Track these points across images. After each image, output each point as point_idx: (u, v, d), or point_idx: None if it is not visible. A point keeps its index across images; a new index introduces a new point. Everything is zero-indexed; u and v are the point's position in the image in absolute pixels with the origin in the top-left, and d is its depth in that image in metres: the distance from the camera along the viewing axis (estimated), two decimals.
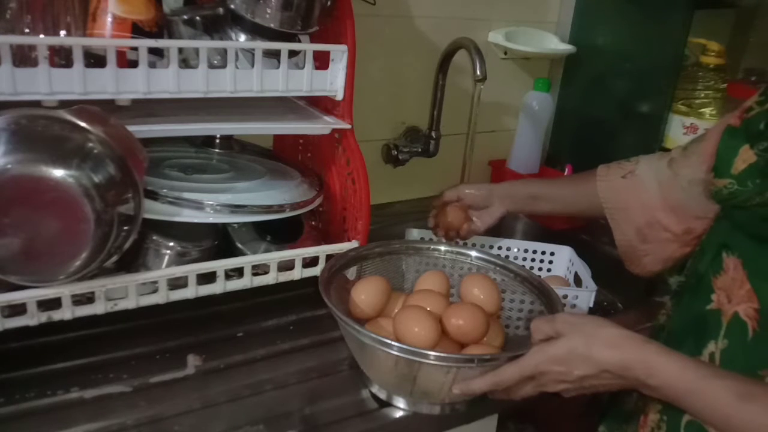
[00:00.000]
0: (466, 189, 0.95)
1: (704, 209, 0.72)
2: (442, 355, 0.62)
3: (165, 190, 0.73)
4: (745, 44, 1.32)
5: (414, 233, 1.02)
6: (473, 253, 0.84)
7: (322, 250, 0.83)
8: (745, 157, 0.61)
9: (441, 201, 0.96)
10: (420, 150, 1.23)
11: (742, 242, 0.61)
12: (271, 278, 0.81)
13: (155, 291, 0.73)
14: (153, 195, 0.72)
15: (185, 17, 0.76)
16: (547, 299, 0.75)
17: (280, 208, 0.80)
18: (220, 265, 0.76)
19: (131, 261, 0.75)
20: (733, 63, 1.22)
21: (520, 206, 0.94)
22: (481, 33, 1.26)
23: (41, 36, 0.66)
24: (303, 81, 0.78)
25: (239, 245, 0.84)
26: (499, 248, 1.03)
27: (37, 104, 0.64)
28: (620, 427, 0.73)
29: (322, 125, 0.84)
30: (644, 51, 1.21)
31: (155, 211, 0.71)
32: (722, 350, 0.60)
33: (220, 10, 0.77)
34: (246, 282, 0.79)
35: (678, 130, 1.19)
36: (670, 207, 0.76)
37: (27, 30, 0.66)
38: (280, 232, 0.86)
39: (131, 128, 0.68)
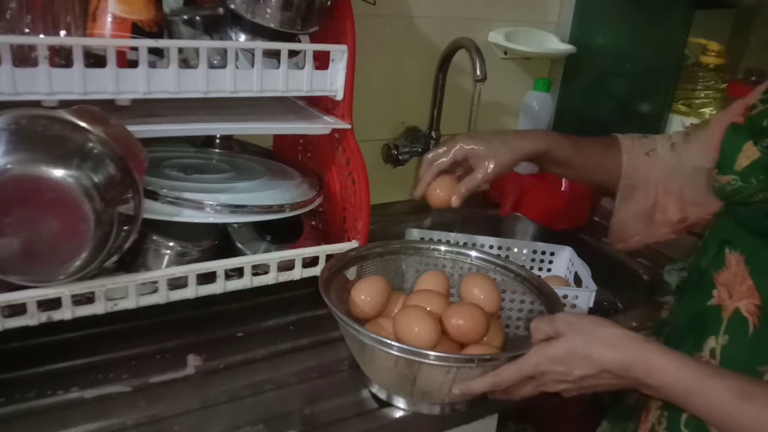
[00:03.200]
0: (466, 144, 0.77)
1: (702, 197, 0.72)
2: (442, 355, 0.62)
3: (165, 190, 0.73)
4: (745, 44, 1.32)
5: (414, 233, 1.02)
6: (473, 253, 0.84)
7: (322, 250, 0.83)
8: (749, 153, 0.61)
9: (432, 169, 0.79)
10: (420, 150, 1.23)
11: (745, 238, 0.62)
12: (271, 278, 0.81)
13: (155, 291, 0.73)
14: (153, 195, 0.72)
15: (185, 17, 0.76)
16: (547, 299, 0.75)
17: (280, 208, 0.80)
18: (220, 265, 0.76)
19: (131, 261, 0.75)
20: (733, 63, 1.22)
21: (531, 158, 0.78)
22: (481, 33, 1.26)
23: (41, 36, 0.66)
24: (303, 81, 0.79)
25: (239, 245, 0.84)
26: (499, 248, 1.03)
27: (37, 104, 0.64)
28: (622, 424, 0.73)
29: (322, 125, 0.84)
30: (644, 51, 1.21)
31: (155, 211, 0.71)
32: (723, 346, 0.60)
33: (220, 10, 0.77)
34: (246, 282, 0.79)
35: (678, 129, 1.19)
36: (672, 192, 0.77)
37: (27, 30, 0.66)
38: (280, 232, 0.86)
39: (131, 128, 0.68)
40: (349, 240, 0.87)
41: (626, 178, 0.80)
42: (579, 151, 0.80)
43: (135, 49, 0.67)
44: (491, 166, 0.75)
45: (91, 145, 0.61)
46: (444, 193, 0.77)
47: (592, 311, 0.89)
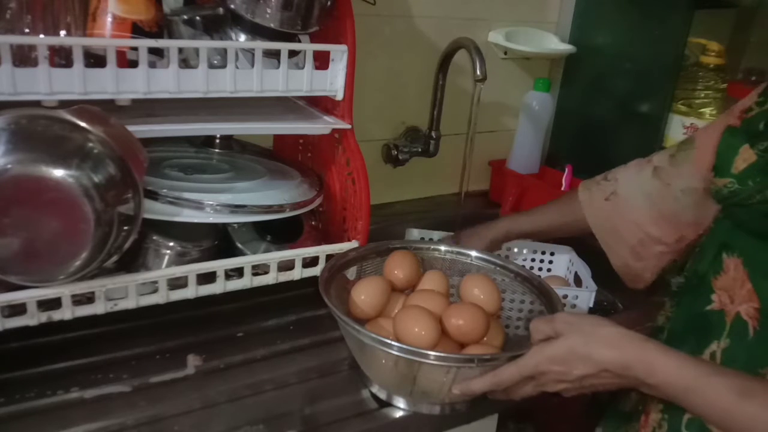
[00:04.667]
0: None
1: (697, 216, 0.72)
2: (442, 355, 0.62)
3: (165, 190, 0.73)
4: (745, 44, 1.32)
5: (414, 233, 1.02)
6: (473, 253, 0.84)
7: (322, 250, 0.83)
8: (746, 156, 0.61)
9: None
10: (420, 150, 1.23)
11: (743, 241, 0.62)
12: (271, 278, 0.81)
13: (155, 291, 0.73)
14: (153, 195, 0.72)
15: (185, 17, 0.76)
16: (547, 299, 0.75)
17: (280, 208, 0.80)
18: (220, 265, 0.76)
19: (131, 261, 0.75)
20: (733, 63, 1.22)
21: (496, 244, 0.95)
22: (481, 33, 1.26)
23: (41, 36, 0.66)
24: (303, 81, 0.78)
25: (239, 245, 0.84)
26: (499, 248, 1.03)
27: (37, 104, 0.64)
28: (620, 428, 0.73)
29: (322, 125, 0.84)
30: (644, 51, 1.21)
31: (155, 211, 0.71)
32: (723, 349, 0.60)
33: (220, 10, 0.77)
34: (246, 282, 0.79)
35: (678, 130, 1.19)
36: (663, 218, 0.77)
37: (27, 30, 0.66)
38: (280, 232, 0.86)
39: (131, 128, 0.68)
40: (349, 240, 0.87)
41: (596, 228, 0.84)
42: (536, 224, 0.93)
43: (135, 49, 0.67)
44: None
45: (91, 145, 0.61)
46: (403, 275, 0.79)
47: (592, 311, 0.89)
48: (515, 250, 1.04)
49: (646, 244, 0.79)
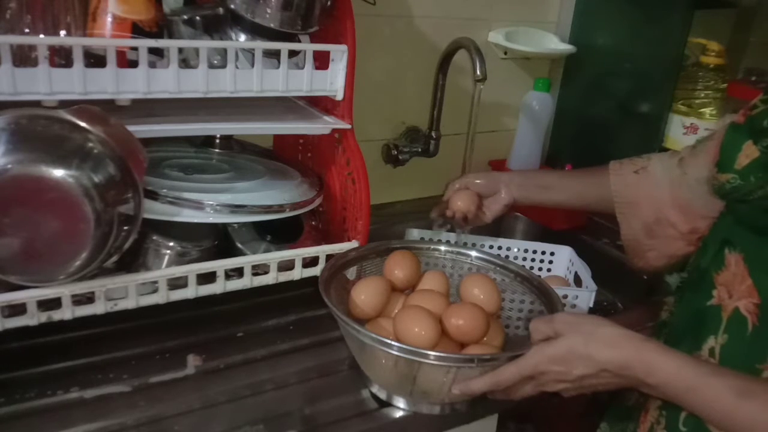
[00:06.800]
0: (473, 179, 0.93)
1: (710, 208, 0.72)
2: (442, 355, 0.62)
3: (165, 190, 0.73)
4: (745, 44, 1.32)
5: (414, 233, 1.02)
6: (473, 253, 0.84)
7: (322, 250, 0.83)
8: (749, 152, 0.61)
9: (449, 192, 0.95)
10: (420, 150, 1.23)
11: (744, 237, 0.62)
12: (271, 278, 0.81)
13: (155, 291, 0.73)
14: (153, 195, 0.72)
15: (185, 17, 0.76)
16: (547, 299, 0.75)
17: (280, 208, 0.80)
18: (220, 265, 0.76)
19: (131, 261, 0.75)
20: (733, 63, 1.22)
21: (527, 194, 0.92)
22: (481, 33, 1.26)
23: (41, 36, 0.66)
24: (303, 81, 0.79)
25: (239, 245, 0.84)
26: (499, 248, 1.03)
27: (37, 104, 0.64)
28: (621, 424, 0.73)
29: (322, 125, 0.84)
30: (644, 51, 1.21)
31: (155, 211, 0.71)
32: (722, 345, 0.60)
33: (220, 10, 0.77)
34: (246, 282, 0.79)
35: (678, 130, 1.19)
36: (678, 205, 0.77)
37: (27, 30, 0.66)
38: (280, 232, 0.86)
39: (131, 128, 0.68)
40: (349, 240, 0.87)
41: (618, 196, 0.84)
42: (548, 188, 0.92)
43: (135, 49, 0.67)
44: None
45: (91, 145, 0.61)
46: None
47: (592, 311, 0.89)
48: (515, 250, 1.04)
49: (662, 224, 0.79)
